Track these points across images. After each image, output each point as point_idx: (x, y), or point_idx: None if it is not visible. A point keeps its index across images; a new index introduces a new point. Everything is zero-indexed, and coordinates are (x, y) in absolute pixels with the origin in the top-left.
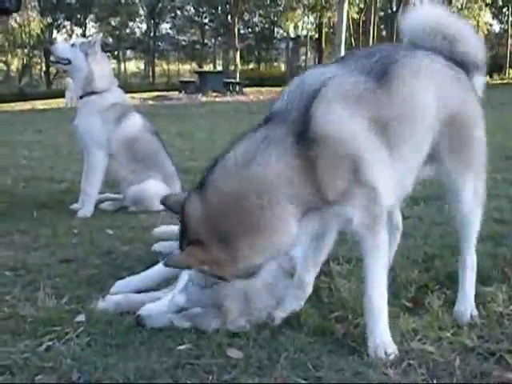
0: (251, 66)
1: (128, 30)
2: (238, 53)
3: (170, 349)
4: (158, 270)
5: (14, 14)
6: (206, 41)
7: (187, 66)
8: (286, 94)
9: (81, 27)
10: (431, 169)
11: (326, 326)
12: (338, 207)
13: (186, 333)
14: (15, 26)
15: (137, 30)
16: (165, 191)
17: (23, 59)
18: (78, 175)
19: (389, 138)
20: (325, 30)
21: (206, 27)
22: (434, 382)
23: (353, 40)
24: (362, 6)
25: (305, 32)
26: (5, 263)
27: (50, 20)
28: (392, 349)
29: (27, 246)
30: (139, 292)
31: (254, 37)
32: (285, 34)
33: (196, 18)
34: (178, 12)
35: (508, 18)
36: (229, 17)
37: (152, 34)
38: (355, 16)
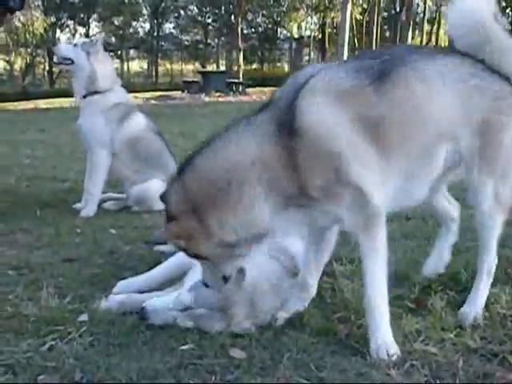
0: (254, 66)
1: (131, 30)
2: (241, 53)
3: (173, 349)
4: (161, 270)
5: (18, 13)
6: (209, 41)
7: (190, 66)
8: (283, 86)
9: (84, 27)
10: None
11: (328, 326)
12: (325, 205)
13: (189, 333)
14: (19, 25)
15: (140, 29)
16: None
17: (26, 58)
18: (81, 174)
19: (380, 138)
20: (328, 30)
21: (210, 27)
22: (437, 382)
23: (356, 40)
24: (365, 6)
25: (308, 32)
26: (8, 262)
27: (53, 19)
28: (394, 349)
29: (30, 245)
30: (141, 292)
31: (257, 37)
32: (288, 35)
33: (199, 18)
34: (182, 12)
35: (510, 18)
36: (232, 17)
37: (155, 34)
38: (358, 16)
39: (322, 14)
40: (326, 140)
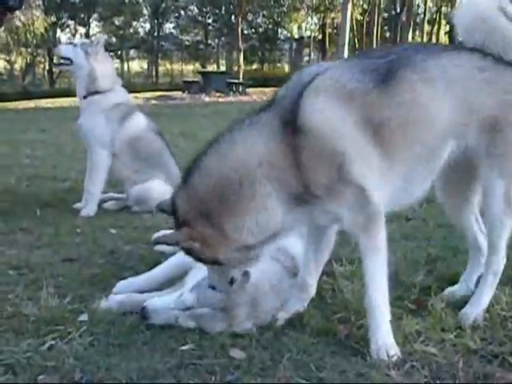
0: (254, 66)
1: (131, 30)
2: (242, 53)
3: (173, 349)
4: (161, 270)
5: (18, 13)
6: (209, 41)
7: (190, 66)
8: (287, 83)
9: (84, 26)
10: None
11: (328, 327)
12: (327, 204)
13: (189, 333)
14: (19, 24)
15: (140, 29)
16: (168, 191)
17: (27, 58)
18: (82, 174)
19: (384, 140)
20: (328, 30)
21: (210, 27)
22: (437, 383)
23: (356, 41)
24: (365, 6)
25: (308, 33)
26: (8, 262)
27: (53, 19)
28: (394, 350)
29: (30, 244)
30: (141, 292)
31: (257, 37)
32: (288, 35)
33: (199, 18)
34: (182, 12)
35: None
36: (232, 17)
37: (155, 34)
38: (359, 17)
39: (322, 15)
40: (329, 139)
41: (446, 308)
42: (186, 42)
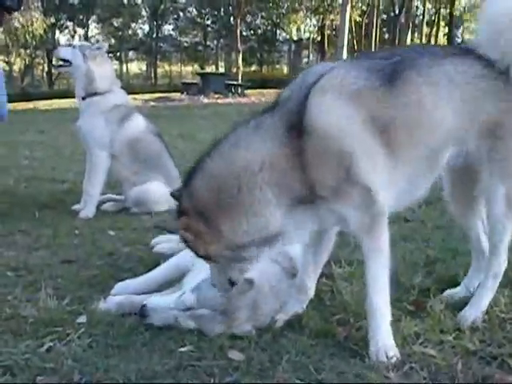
0: (253, 68)
1: (130, 31)
2: (241, 55)
3: (172, 350)
4: (159, 272)
5: (17, 14)
6: (208, 42)
7: (189, 68)
8: (290, 85)
9: (83, 28)
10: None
11: (327, 328)
12: (333, 205)
13: (188, 335)
14: (18, 26)
15: (139, 31)
16: (167, 193)
17: (26, 59)
18: (80, 176)
19: (390, 139)
20: (327, 32)
21: (209, 29)
22: None
23: (355, 42)
24: (364, 8)
25: (307, 34)
26: (6, 263)
27: (52, 20)
28: (393, 352)
29: (29, 246)
30: (140, 294)
31: (256, 39)
32: (287, 37)
33: (198, 20)
34: (181, 13)
35: None
36: (231, 19)
37: (154, 36)
38: (358, 19)
39: (321, 16)
40: (337, 138)
41: (444, 310)
42: (185, 44)
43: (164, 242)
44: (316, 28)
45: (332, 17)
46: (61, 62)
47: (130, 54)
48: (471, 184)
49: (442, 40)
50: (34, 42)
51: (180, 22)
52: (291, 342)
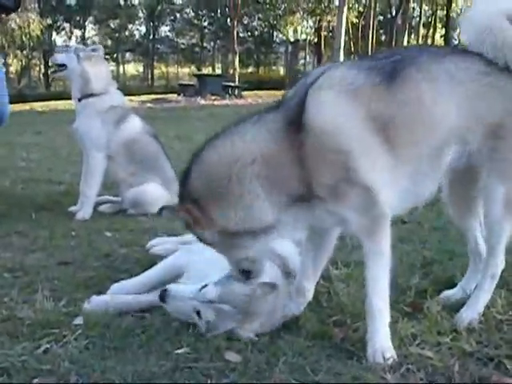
0: (250, 69)
1: (127, 33)
2: (237, 56)
3: (168, 352)
4: (155, 272)
5: (14, 15)
6: (205, 44)
7: (186, 69)
8: (296, 85)
9: (80, 29)
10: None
11: (324, 330)
12: (331, 205)
13: (184, 336)
14: (15, 27)
15: (136, 32)
16: (164, 195)
17: (22, 61)
18: (77, 177)
19: (390, 137)
20: (324, 33)
21: (206, 30)
22: None
23: (352, 44)
24: (361, 10)
25: (304, 36)
26: (3, 265)
27: (49, 22)
28: (390, 354)
29: (25, 247)
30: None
31: (253, 40)
32: (284, 38)
33: (195, 21)
34: (178, 15)
35: None
36: (228, 20)
37: (151, 37)
38: (354, 20)
39: (317, 18)
40: (333, 136)
41: (441, 311)
42: (182, 45)
43: (160, 244)
44: (313, 29)
45: (329, 18)
46: (56, 68)
47: (127, 55)
48: (470, 185)
49: (439, 42)
50: (31, 44)
51: (177, 23)
52: (288, 344)
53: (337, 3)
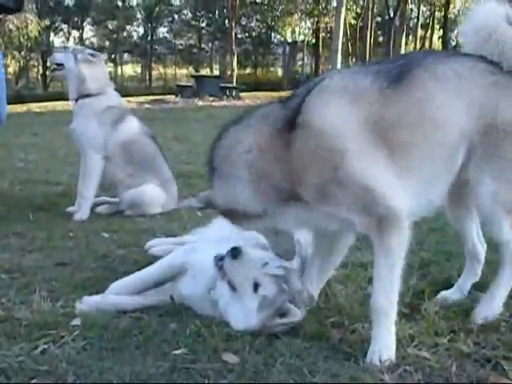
0: (248, 70)
1: (125, 34)
2: (235, 57)
3: (166, 353)
4: (155, 269)
5: (11, 16)
6: (202, 45)
7: (184, 70)
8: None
9: (78, 30)
10: None
11: (322, 331)
12: (324, 207)
13: (182, 337)
14: (12, 28)
15: (134, 33)
16: (162, 196)
17: (20, 62)
18: (74, 178)
19: (395, 140)
20: (322, 35)
21: (203, 31)
22: None
23: (350, 45)
24: (359, 11)
25: (302, 37)
26: (0, 265)
27: (47, 23)
28: (388, 355)
29: (23, 248)
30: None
31: (251, 41)
32: (282, 39)
33: (193, 22)
34: (176, 16)
35: None
36: (226, 21)
37: (149, 38)
38: (352, 21)
39: (315, 19)
40: (328, 136)
41: (439, 312)
42: (180, 46)
43: (158, 245)
44: (311, 31)
45: (327, 19)
46: (54, 66)
47: (125, 56)
48: (466, 188)
49: (437, 43)
50: (29, 45)
51: (175, 24)
52: (285, 345)
53: (335, 4)
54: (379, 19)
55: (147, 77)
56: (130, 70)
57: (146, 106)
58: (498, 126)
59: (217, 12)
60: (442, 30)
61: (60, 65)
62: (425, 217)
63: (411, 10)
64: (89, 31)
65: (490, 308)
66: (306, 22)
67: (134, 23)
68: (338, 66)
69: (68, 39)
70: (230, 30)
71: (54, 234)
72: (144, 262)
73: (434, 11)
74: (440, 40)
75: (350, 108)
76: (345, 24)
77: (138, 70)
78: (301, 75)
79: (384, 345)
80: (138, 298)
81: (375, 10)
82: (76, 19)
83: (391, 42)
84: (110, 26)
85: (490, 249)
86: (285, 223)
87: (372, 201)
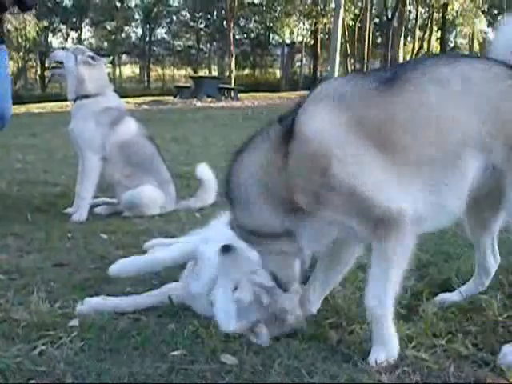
0: (246, 71)
1: (123, 35)
2: (234, 58)
3: (164, 354)
4: (165, 254)
5: (10, 17)
6: (201, 46)
7: (182, 71)
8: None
9: (76, 31)
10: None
11: (320, 332)
12: (328, 213)
13: (180, 338)
14: (11, 28)
15: (132, 34)
16: (160, 196)
17: (18, 62)
18: (73, 179)
19: (389, 143)
20: (320, 36)
21: (202, 32)
22: None
23: (348, 46)
24: (357, 12)
25: (300, 38)
26: None
27: (45, 23)
28: (388, 355)
29: (21, 249)
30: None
31: (249, 42)
32: (280, 40)
33: (191, 24)
34: (174, 17)
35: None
36: (224, 22)
37: (147, 39)
38: (351, 23)
39: (314, 20)
40: (316, 142)
41: (437, 313)
42: (178, 47)
43: (157, 246)
44: (309, 32)
45: (325, 21)
46: (54, 64)
47: (123, 57)
48: (488, 202)
49: (436, 44)
50: (27, 45)
51: (173, 25)
52: (283, 346)
53: (333, 5)
54: (377, 20)
55: (145, 78)
56: (129, 70)
57: (145, 106)
58: None
59: (215, 13)
60: (440, 32)
61: (60, 63)
62: None
63: (409, 11)
64: (87, 32)
65: None
66: (304, 23)
67: (133, 24)
68: (337, 67)
69: (66, 40)
70: (228, 31)
71: (52, 235)
72: None
73: (433, 13)
74: (438, 41)
75: (337, 112)
76: (343, 25)
77: (137, 70)
78: (299, 76)
79: (384, 345)
80: (139, 298)
81: (373, 11)
82: (74, 20)
83: (389, 44)
84: (109, 27)
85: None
86: (304, 239)
87: (367, 203)
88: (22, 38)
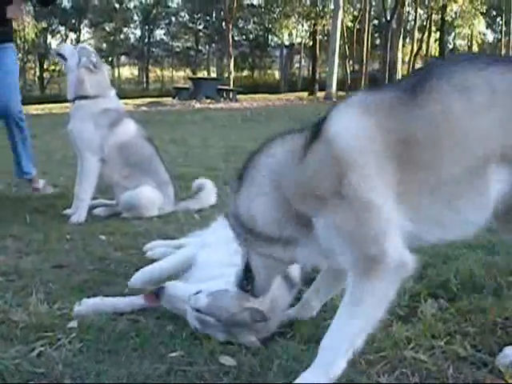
0: (245, 73)
1: (122, 36)
2: (232, 60)
3: (163, 355)
4: (172, 261)
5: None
6: (200, 47)
7: (181, 73)
8: None
9: (75, 32)
10: None
11: (318, 334)
12: (325, 222)
13: (179, 339)
14: None
15: (131, 35)
16: (158, 198)
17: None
18: (71, 180)
19: (408, 157)
20: (319, 37)
21: (201, 34)
22: None
23: (347, 48)
24: (356, 14)
25: (299, 39)
26: None
27: (44, 25)
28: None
29: (20, 251)
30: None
31: (248, 44)
32: (279, 42)
33: (190, 25)
34: (173, 18)
35: (501, 27)
36: (223, 24)
37: (146, 40)
38: (349, 24)
39: (313, 22)
40: (339, 147)
41: (436, 314)
42: (177, 49)
43: (157, 248)
44: (308, 33)
45: (324, 22)
46: (56, 56)
47: (122, 58)
48: None
49: (434, 46)
50: (26, 47)
51: (172, 26)
52: (282, 347)
53: (332, 7)
54: (376, 22)
55: (144, 79)
56: (127, 72)
57: (143, 108)
58: None
59: (214, 14)
60: (438, 33)
61: (64, 58)
62: None
63: (408, 12)
64: (86, 33)
65: None
66: (303, 25)
67: (131, 25)
68: (335, 68)
69: (65, 41)
70: (227, 33)
71: (51, 237)
72: (141, 265)
73: (431, 14)
74: (437, 43)
75: (365, 120)
76: (342, 27)
77: (135, 72)
78: (298, 78)
79: (321, 369)
80: (136, 299)
81: (372, 12)
82: (73, 21)
83: (388, 45)
84: (107, 28)
85: (489, 250)
86: (301, 252)
87: (370, 232)
88: (20, 39)
